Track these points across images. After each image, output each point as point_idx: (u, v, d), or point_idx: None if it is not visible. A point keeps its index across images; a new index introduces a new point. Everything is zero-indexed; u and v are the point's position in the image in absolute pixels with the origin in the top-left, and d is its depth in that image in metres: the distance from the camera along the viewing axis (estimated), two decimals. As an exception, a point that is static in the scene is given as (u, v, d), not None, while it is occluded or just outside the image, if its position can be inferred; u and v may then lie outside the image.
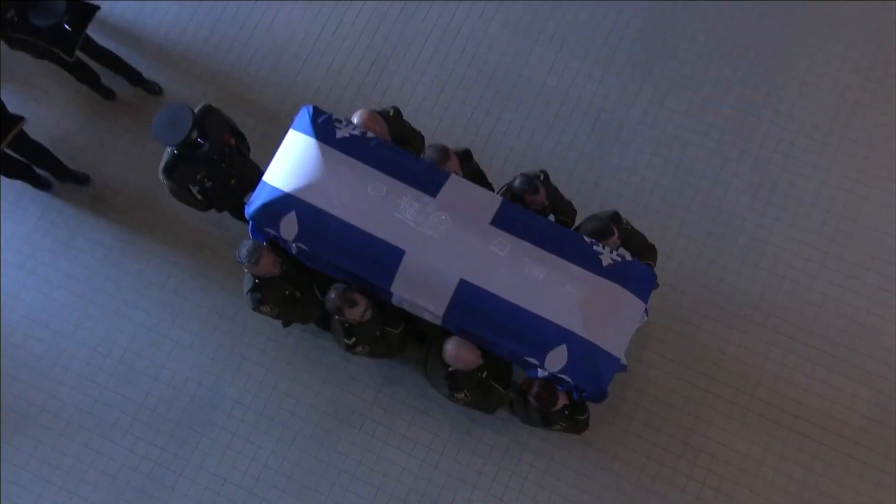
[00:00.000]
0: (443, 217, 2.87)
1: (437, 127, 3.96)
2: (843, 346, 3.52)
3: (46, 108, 3.98)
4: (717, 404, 3.47)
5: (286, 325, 3.23)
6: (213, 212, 3.41)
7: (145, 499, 3.39)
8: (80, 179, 3.79)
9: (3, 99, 3.38)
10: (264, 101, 4.02)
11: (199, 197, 3.19)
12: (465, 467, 3.47)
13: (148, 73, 3.97)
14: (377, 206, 2.88)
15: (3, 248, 3.61)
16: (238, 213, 3.36)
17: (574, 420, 3.04)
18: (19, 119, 3.39)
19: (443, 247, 2.85)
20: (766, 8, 4.03)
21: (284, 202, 2.86)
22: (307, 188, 2.87)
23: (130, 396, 3.48)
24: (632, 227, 3.21)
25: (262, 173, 2.98)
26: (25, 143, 3.49)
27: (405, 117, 3.35)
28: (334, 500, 3.43)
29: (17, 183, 3.69)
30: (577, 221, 3.28)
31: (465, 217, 2.89)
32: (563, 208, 3.32)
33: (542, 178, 3.20)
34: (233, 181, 3.22)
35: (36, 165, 3.64)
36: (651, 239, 3.29)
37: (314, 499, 3.44)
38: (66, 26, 3.38)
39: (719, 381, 3.50)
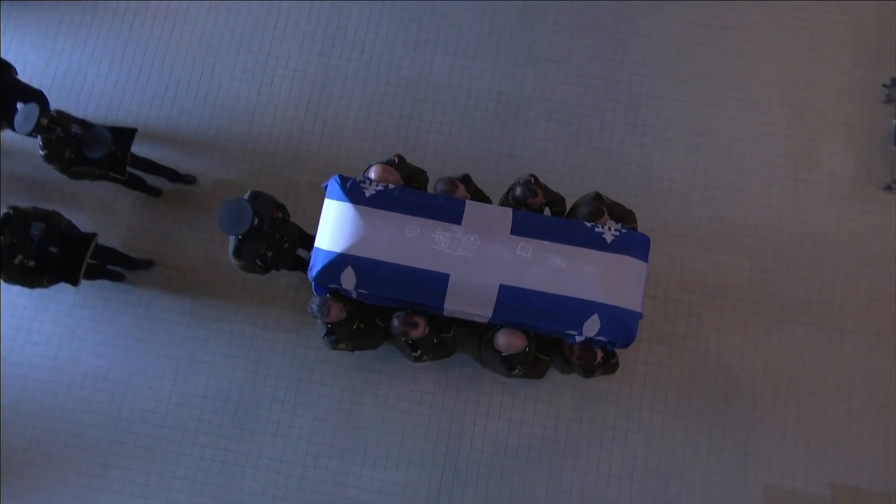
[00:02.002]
0: (472, 238, 3.27)
1: (373, 139, 4.71)
2: (723, 231, 4.50)
3: (108, 216, 4.61)
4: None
5: (353, 350, 3.66)
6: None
7: (223, 491, 4.18)
8: (146, 265, 4.44)
9: (73, 222, 3.90)
10: (234, 150, 4.70)
11: (260, 264, 3.58)
12: (465, 401, 4.31)
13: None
14: (416, 244, 3.25)
15: (52, 324, 4.35)
16: (289, 266, 3.91)
17: (609, 365, 3.52)
18: (92, 236, 3.88)
19: (479, 263, 3.24)
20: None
21: (340, 261, 3.24)
22: (355, 245, 3.24)
23: (188, 416, 4.27)
24: (611, 201, 3.68)
25: (301, 231, 3.54)
26: (100, 252, 4.06)
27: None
28: (370, 452, 4.23)
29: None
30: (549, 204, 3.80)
31: (489, 233, 3.28)
32: (555, 200, 3.75)
33: (534, 181, 3.61)
34: (286, 245, 3.70)
35: (109, 265, 4.28)
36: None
37: (355, 456, 4.23)
38: (116, 152, 3.91)
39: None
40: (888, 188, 4.46)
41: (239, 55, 4.82)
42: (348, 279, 3.26)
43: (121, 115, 4.54)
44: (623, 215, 3.69)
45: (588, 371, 3.45)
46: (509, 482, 4.17)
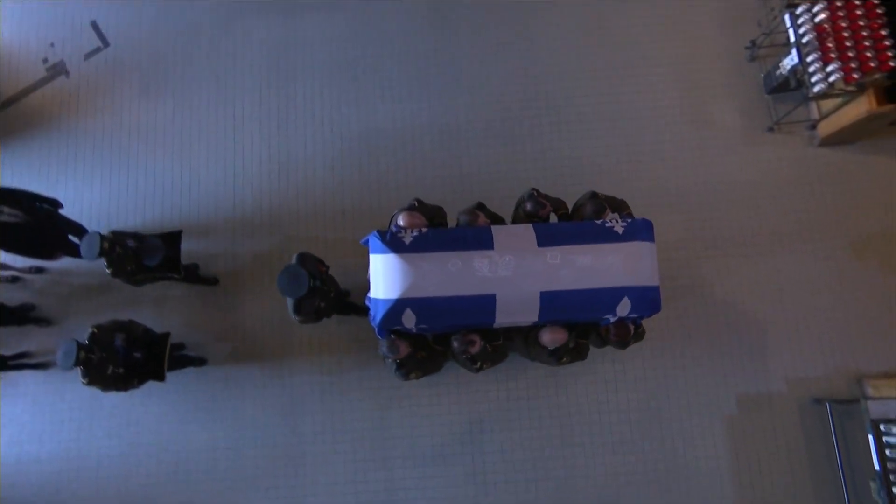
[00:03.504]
0: (507, 258, 3.55)
1: (341, 191, 5.34)
2: (652, 196, 5.24)
3: (172, 312, 5.12)
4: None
5: (422, 377, 4.03)
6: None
7: (291, 522, 4.80)
8: (202, 361, 4.96)
9: (140, 320, 4.40)
10: (221, 228, 5.29)
11: (315, 316, 4.01)
12: (476, 393, 4.95)
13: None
14: (461, 275, 3.53)
15: (109, 417, 4.91)
16: (338, 312, 4.39)
17: (638, 334, 3.91)
18: (167, 335, 4.39)
19: (518, 278, 3.54)
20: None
21: (398, 306, 3.52)
22: (409, 288, 3.51)
23: (245, 465, 4.84)
24: (605, 195, 4.02)
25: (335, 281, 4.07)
26: (177, 347, 4.59)
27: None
28: (408, 455, 4.84)
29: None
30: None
31: (520, 251, 3.58)
32: (558, 205, 4.10)
33: (537, 194, 3.96)
34: (332, 294, 4.14)
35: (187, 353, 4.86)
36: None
37: (396, 462, 4.84)
38: (169, 255, 4.37)
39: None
40: (770, 129, 5.35)
41: (209, 147, 5.45)
42: (409, 319, 3.56)
43: (120, 224, 5.12)
44: (618, 205, 4.05)
45: (624, 344, 3.87)
46: (529, 449, 4.86)
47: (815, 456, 4.78)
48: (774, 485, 4.74)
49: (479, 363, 3.83)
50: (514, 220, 4.12)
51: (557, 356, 3.84)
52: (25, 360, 4.88)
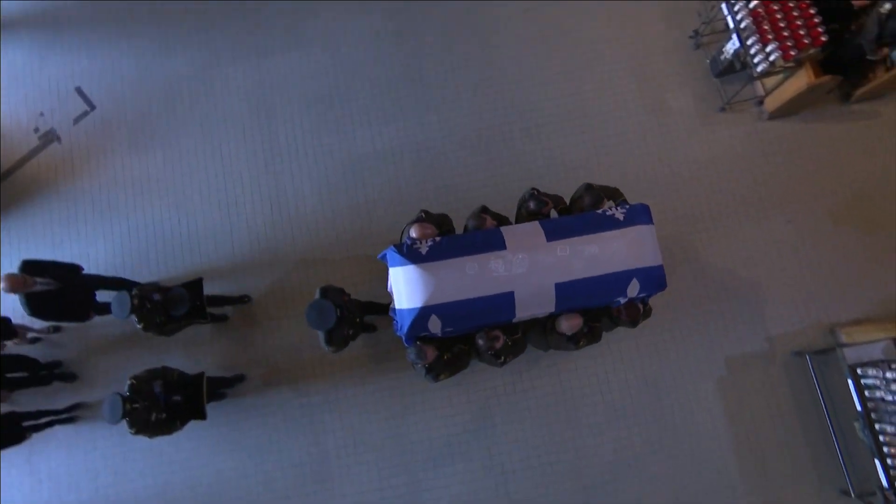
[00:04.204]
0: (520, 256, 3.70)
1: (332, 217, 5.61)
2: (623, 185, 5.41)
3: (204, 353, 5.33)
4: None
5: (451, 376, 4.16)
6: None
7: (326, 532, 5.06)
8: (241, 378, 5.19)
9: (172, 364, 4.62)
10: (223, 268, 5.54)
11: (344, 344, 4.20)
12: (483, 391, 5.24)
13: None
14: (479, 277, 3.67)
15: (143, 459, 5.14)
16: (364, 331, 4.63)
17: (646, 312, 4.14)
18: (201, 374, 4.58)
19: (533, 273, 3.69)
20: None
21: (424, 313, 3.67)
22: (431, 296, 3.64)
23: (276, 488, 5.06)
24: (599, 185, 4.24)
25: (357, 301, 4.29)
26: (214, 384, 4.82)
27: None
28: (428, 457, 5.11)
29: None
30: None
31: (531, 248, 3.73)
32: (557, 200, 4.27)
33: (537, 192, 4.17)
34: (357, 320, 4.34)
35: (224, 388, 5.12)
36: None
37: (417, 466, 5.11)
38: (194, 302, 4.55)
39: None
40: (723, 109, 5.76)
41: (202, 192, 5.71)
42: (434, 325, 3.72)
43: (126, 275, 5.36)
44: (612, 193, 4.24)
45: (635, 323, 4.05)
46: (540, 434, 5.16)
47: (802, 404, 5.15)
48: (769, 435, 5.11)
49: (502, 357, 4.00)
50: (518, 220, 4.29)
51: (575, 341, 4.05)
52: (54, 418, 5.09)
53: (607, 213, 3.91)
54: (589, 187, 4.18)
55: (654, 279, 3.86)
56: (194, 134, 5.84)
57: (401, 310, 3.79)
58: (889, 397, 4.59)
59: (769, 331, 5.30)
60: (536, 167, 5.72)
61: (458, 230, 4.33)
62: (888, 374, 4.61)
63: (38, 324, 5.08)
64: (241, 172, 5.78)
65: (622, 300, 3.91)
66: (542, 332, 4.15)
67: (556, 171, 5.69)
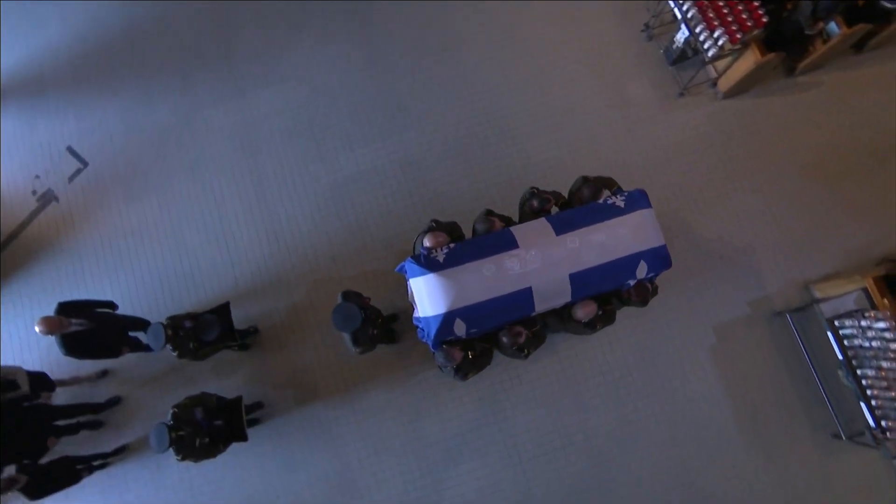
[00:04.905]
0: (533, 253, 3.87)
1: (327, 240, 5.85)
2: (598, 172, 5.94)
3: (234, 377, 5.58)
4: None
5: (478, 373, 4.42)
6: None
7: (359, 542, 5.30)
8: (260, 405, 5.43)
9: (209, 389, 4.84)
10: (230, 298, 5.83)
11: (371, 344, 4.38)
12: (491, 386, 5.50)
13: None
14: (497, 277, 3.83)
15: (172, 490, 5.35)
16: (385, 334, 4.83)
17: (654, 291, 4.41)
18: (239, 398, 4.84)
19: (546, 268, 3.87)
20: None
21: (448, 318, 3.83)
22: (454, 300, 3.81)
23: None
24: (594, 177, 4.44)
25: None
26: (252, 408, 5.05)
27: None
28: (448, 456, 5.35)
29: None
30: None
31: (542, 243, 3.91)
32: (557, 197, 4.47)
33: (537, 191, 4.38)
34: (379, 320, 4.58)
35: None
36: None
37: (439, 465, 5.36)
38: (224, 327, 4.76)
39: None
40: (681, 95, 6.12)
41: (199, 231, 5.94)
42: (459, 328, 3.89)
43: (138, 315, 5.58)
44: (607, 183, 4.43)
45: (645, 302, 4.32)
46: (550, 420, 5.44)
47: (788, 360, 5.49)
48: (761, 393, 5.44)
49: (526, 350, 4.21)
50: (522, 219, 4.48)
51: (592, 326, 4.30)
52: (103, 461, 5.26)
53: (608, 203, 4.10)
54: (586, 180, 4.38)
55: (659, 259, 4.07)
56: (185, 177, 6.07)
57: (426, 317, 3.94)
58: (866, 344, 4.94)
59: (749, 296, 5.64)
60: (514, 169, 6.01)
61: (465, 235, 4.53)
62: (863, 323, 4.95)
63: (83, 370, 5.27)
64: (234, 208, 6.00)
65: (632, 282, 4.11)
66: (559, 320, 4.38)
67: (534, 171, 5.97)
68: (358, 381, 5.54)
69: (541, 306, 3.98)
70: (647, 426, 5.42)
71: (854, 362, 5.01)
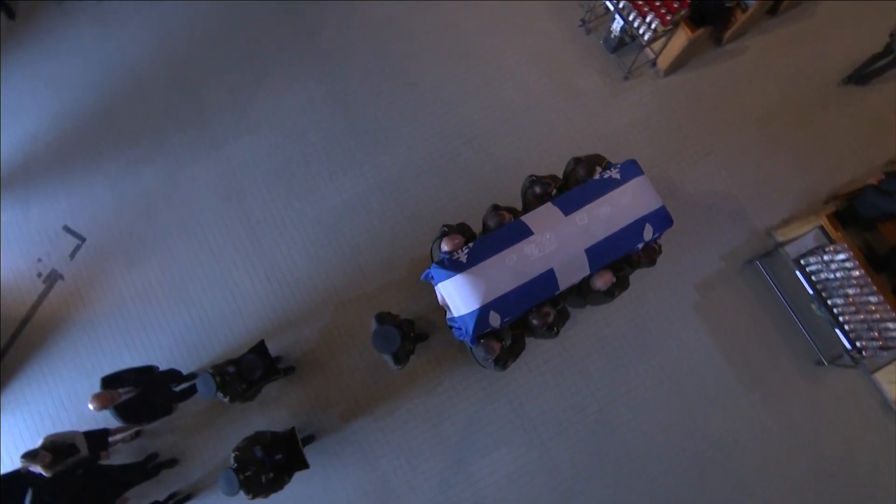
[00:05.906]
0: (548, 236, 4.11)
1: (324, 271, 6.12)
2: (561, 164, 6.36)
3: (279, 409, 5.82)
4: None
5: (516, 359, 4.62)
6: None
7: (406, 545, 5.60)
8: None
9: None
10: (243, 342, 6.07)
11: (408, 361, 4.61)
12: (503, 378, 5.82)
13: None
14: (519, 266, 4.06)
15: None
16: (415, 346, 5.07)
17: (660, 250, 4.66)
18: (292, 429, 4.98)
19: (564, 247, 4.11)
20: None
21: (483, 312, 4.04)
22: (485, 295, 4.01)
23: (350, 520, 5.63)
24: (585, 156, 4.71)
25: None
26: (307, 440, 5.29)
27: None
28: (473, 450, 5.66)
29: None
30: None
31: (554, 226, 4.15)
32: (555, 180, 4.71)
33: (536, 178, 4.59)
34: (412, 335, 4.80)
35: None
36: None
37: (466, 460, 5.66)
38: (265, 363, 4.99)
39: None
40: (626, 78, 6.59)
41: (202, 282, 6.20)
42: (494, 319, 4.11)
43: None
44: (597, 159, 4.69)
45: (653, 262, 4.61)
46: (562, 399, 5.81)
47: (766, 304, 5.96)
48: (746, 337, 5.90)
49: (555, 328, 4.45)
50: (526, 207, 4.71)
51: (611, 293, 4.57)
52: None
53: (605, 177, 4.34)
54: (577, 160, 4.63)
55: (661, 218, 4.35)
56: (180, 235, 6.33)
57: (461, 316, 4.13)
58: (832, 276, 5.39)
59: (720, 251, 6.11)
60: (486, 173, 6.39)
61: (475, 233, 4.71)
62: (825, 257, 5.40)
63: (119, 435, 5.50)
64: (231, 256, 6.27)
65: (640, 245, 4.37)
66: (578, 294, 4.64)
67: (504, 172, 6.36)
68: (377, 398, 5.84)
69: (564, 284, 4.21)
70: (651, 386, 5.82)
71: (824, 294, 5.44)
